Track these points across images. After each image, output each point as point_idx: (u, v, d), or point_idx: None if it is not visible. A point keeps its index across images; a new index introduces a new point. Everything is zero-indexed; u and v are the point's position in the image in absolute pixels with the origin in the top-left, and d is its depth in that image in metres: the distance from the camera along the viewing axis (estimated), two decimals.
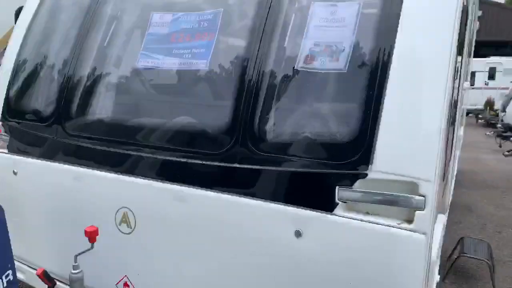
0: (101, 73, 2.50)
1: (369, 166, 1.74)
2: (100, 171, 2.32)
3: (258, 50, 2.07)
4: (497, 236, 5.34)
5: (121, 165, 2.26)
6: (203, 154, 2.05)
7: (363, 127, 1.76)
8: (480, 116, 18.28)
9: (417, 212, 1.68)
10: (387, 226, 1.72)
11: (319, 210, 1.82)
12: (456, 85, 2.76)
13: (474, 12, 5.13)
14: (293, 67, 2.01)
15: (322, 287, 1.87)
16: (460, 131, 6.79)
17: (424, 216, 1.68)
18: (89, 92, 2.45)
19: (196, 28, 2.41)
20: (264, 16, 2.13)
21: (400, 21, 1.79)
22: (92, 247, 2.01)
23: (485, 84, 20.70)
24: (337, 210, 1.79)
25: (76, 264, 2.03)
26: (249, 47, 2.12)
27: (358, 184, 1.76)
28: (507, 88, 17.55)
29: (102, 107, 2.42)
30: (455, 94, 2.73)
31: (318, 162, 1.82)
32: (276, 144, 1.92)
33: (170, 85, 2.38)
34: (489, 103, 18.84)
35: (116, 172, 2.27)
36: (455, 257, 4.15)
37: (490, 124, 16.39)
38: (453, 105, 2.56)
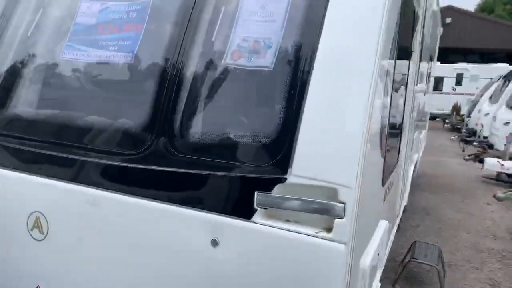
0: (19, 66, 2.30)
1: (289, 170, 1.62)
2: (11, 171, 2.12)
3: (182, 44, 1.94)
4: (452, 240, 5.37)
5: (33, 165, 2.08)
6: (119, 155, 1.89)
7: (283, 129, 1.65)
8: (447, 120, 18.69)
9: (336, 220, 1.58)
10: (305, 234, 1.61)
11: (237, 217, 1.69)
12: (399, 88, 2.69)
13: (432, 17, 5.13)
14: (219, 63, 1.88)
15: None
16: (420, 134, 6.84)
17: (344, 224, 1.57)
18: (3, 85, 2.25)
19: (124, 19, 2.26)
20: (190, 7, 2.00)
21: (325, 19, 1.69)
22: None
23: (453, 89, 21.22)
24: (256, 217, 1.67)
25: None
26: (174, 41, 1.98)
27: (277, 189, 1.64)
28: (473, 94, 18.04)
29: (16, 101, 2.23)
30: (398, 98, 2.67)
31: (237, 165, 1.70)
32: (196, 145, 1.78)
33: (92, 78, 2.20)
34: (456, 108, 19.28)
35: (28, 172, 2.08)
36: (407, 261, 4.12)
37: (455, 129, 16.76)
38: (393, 108, 2.48)
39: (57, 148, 2.03)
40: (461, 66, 21.37)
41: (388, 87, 2.02)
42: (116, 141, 1.93)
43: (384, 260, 3.04)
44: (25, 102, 2.21)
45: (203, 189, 1.76)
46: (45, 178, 2.04)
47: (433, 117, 20.01)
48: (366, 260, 1.97)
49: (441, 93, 20.80)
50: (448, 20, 27.41)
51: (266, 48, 1.86)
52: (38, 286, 2.13)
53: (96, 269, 2.00)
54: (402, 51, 2.53)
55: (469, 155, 9.02)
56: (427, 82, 6.61)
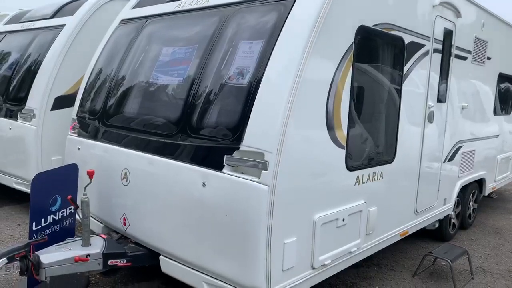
0: (126, 84, 3.97)
1: (241, 142, 2.79)
2: (114, 145, 3.76)
3: (203, 71, 3.29)
4: (507, 255, 5.47)
5: (124, 142, 3.67)
6: (162, 136, 3.33)
7: (241, 119, 2.83)
8: None
9: (263, 171, 2.68)
10: (248, 180, 2.74)
11: (215, 169, 2.91)
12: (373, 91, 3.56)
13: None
14: (222, 81, 3.16)
15: (217, 214, 2.91)
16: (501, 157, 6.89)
17: (267, 174, 2.67)
18: (124, 92, 3.96)
19: (182, 57, 3.71)
20: (210, 50, 3.34)
21: (270, 58, 2.85)
22: (90, 182, 3.37)
23: None
24: (225, 169, 2.87)
25: (85, 192, 3.38)
26: (200, 68, 3.34)
27: (235, 154, 2.82)
28: None
29: (123, 101, 3.90)
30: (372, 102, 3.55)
31: (217, 140, 2.94)
32: (198, 129, 3.10)
33: (162, 92, 3.66)
34: None
35: (123, 146, 3.68)
36: (425, 255, 4.62)
37: None
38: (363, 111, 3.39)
39: (135, 132, 3.57)
40: None
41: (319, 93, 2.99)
42: (163, 128, 3.37)
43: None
44: (124, 106, 3.84)
45: (200, 153, 3.04)
46: (129, 149, 3.59)
47: None
48: (316, 215, 2.99)
49: None
50: None
51: (246, 73, 3.07)
52: (124, 213, 3.65)
53: (152, 201, 3.41)
54: (359, 71, 3.44)
55: None
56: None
